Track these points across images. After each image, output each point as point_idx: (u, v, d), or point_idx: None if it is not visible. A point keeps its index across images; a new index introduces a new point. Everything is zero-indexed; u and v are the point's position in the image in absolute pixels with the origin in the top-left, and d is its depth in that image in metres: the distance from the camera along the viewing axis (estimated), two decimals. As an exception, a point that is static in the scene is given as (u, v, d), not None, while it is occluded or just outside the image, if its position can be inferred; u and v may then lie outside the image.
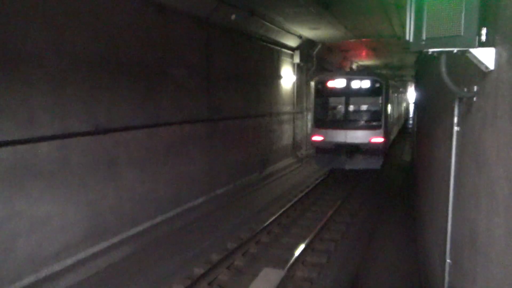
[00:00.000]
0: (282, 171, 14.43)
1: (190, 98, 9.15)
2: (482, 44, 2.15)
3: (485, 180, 2.25)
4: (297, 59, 15.40)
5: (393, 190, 12.31)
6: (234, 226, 8.66)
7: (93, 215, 6.66)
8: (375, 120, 11.57)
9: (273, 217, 8.80)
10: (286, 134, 15.53)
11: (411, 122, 32.08)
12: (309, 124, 15.76)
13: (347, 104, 11.76)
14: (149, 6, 7.64)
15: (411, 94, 38.12)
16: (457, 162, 3.30)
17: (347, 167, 11.47)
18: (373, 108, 11.80)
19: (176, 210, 8.79)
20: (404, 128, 27.36)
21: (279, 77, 14.43)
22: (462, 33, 2.13)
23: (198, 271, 6.42)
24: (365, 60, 24.85)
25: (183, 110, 8.91)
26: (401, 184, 13.21)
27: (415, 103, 18.14)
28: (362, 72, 13.46)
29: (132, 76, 7.38)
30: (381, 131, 11.37)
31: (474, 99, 2.63)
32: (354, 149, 11.37)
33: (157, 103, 8.06)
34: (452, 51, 2.24)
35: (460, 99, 3.18)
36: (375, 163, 11.57)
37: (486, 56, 2.15)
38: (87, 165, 6.49)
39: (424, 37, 2.31)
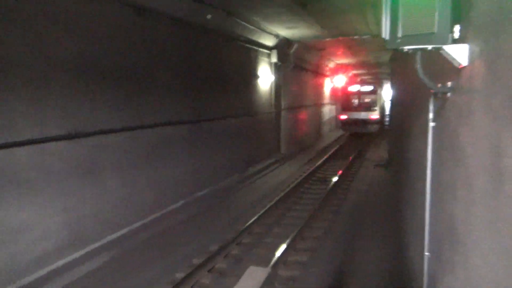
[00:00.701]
0: (264, 170, 14.49)
1: (172, 100, 9.08)
2: (455, 41, 2.23)
3: (462, 173, 2.33)
4: (274, 59, 15.48)
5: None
6: (217, 228, 8.64)
7: (72, 222, 6.51)
8: (373, 106, 22.55)
9: (255, 217, 8.84)
10: (266, 134, 15.60)
11: (387, 119, 32.74)
12: (283, 124, 18.18)
13: (359, 99, 22.70)
14: (128, 8, 7.53)
15: (387, 91, 39.22)
16: (433, 156, 3.40)
17: (360, 131, 22.12)
18: (372, 100, 22.68)
19: (159, 213, 8.70)
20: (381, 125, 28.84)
21: (257, 76, 14.48)
22: (436, 31, 2.20)
23: (180, 275, 6.37)
24: (341, 59, 25.21)
25: (165, 112, 8.83)
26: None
27: (391, 101, 18.53)
28: (368, 82, 25.90)
29: (113, 79, 7.26)
30: (376, 112, 22.53)
31: (449, 94, 2.72)
32: (363, 123, 22.37)
33: (139, 105, 7.97)
34: (426, 48, 2.31)
35: (435, 95, 3.28)
36: (374, 129, 22.74)
37: (459, 53, 2.23)
38: (66, 170, 6.34)
39: (399, 34, 2.37)
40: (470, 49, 2.18)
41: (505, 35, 1.73)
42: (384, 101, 27.75)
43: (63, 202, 6.33)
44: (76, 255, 6.55)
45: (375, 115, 22.98)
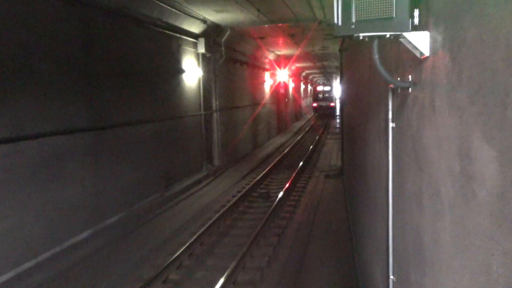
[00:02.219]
0: (191, 188, 14.35)
1: (64, 101, 8.65)
2: (415, 28, 2.38)
3: (428, 180, 2.49)
4: (202, 49, 15.48)
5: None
6: (133, 264, 8.37)
7: None
8: (331, 99, 51.44)
9: (183, 247, 8.71)
10: (194, 142, 15.48)
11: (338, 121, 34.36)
12: (216, 129, 17.92)
13: (323, 94, 52.18)
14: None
15: (336, 87, 45.98)
16: (394, 162, 3.60)
17: (324, 113, 49.10)
18: (329, 95, 51.89)
19: (56, 249, 8.24)
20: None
21: (181, 71, 14.37)
22: (394, 15, 2.33)
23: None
24: (282, 49, 25.93)
25: (55, 117, 8.39)
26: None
27: (342, 99, 19.39)
28: (327, 83, 58.18)
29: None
30: (333, 102, 51.25)
31: (410, 90, 2.90)
32: (325, 108, 50.47)
33: (17, 109, 7.48)
34: (385, 36, 2.44)
35: (394, 91, 3.48)
36: (333, 112, 49.56)
37: (420, 41, 2.39)
38: None
39: (353, 20, 2.48)
40: (431, 37, 2.35)
41: (467, 21, 1.88)
42: (335, 100, 50.97)
43: None
44: None
45: (332, 104, 50.62)
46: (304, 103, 54.36)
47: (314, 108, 52.61)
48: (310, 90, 62.48)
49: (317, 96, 53.07)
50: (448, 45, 2.12)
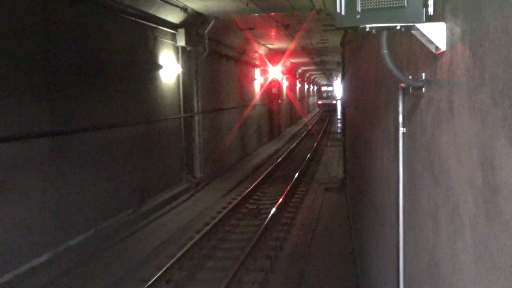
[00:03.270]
0: (170, 203, 14.29)
1: (20, 102, 8.60)
2: (429, 18, 2.40)
3: (445, 193, 2.50)
4: (182, 41, 15.48)
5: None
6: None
7: None
8: (333, 97, 79.28)
9: (160, 272, 8.67)
10: (172, 150, 15.44)
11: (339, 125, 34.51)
12: (198, 135, 18.25)
13: (326, 94, 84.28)
14: None
15: (337, 87, 45.80)
16: (406, 173, 3.61)
17: (328, 109, 73.01)
18: (332, 94, 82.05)
19: (6, 276, 8.13)
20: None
21: (158, 67, 14.35)
22: (406, 4, 2.34)
23: None
24: (275, 43, 26.01)
25: (8, 120, 8.34)
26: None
27: (343, 100, 19.44)
28: (329, 84, 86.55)
29: None
30: (335, 100, 76.41)
31: (423, 89, 2.92)
32: (329, 105, 75.66)
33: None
34: (395, 27, 2.46)
35: (405, 91, 3.50)
36: (335, 108, 72.07)
37: (436, 34, 2.40)
38: None
39: (359, 8, 2.49)
40: (448, 29, 2.36)
41: (490, 10, 1.90)
42: (336, 100, 68.87)
43: None
44: None
45: (334, 101, 73.22)
46: (300, 104, 58.83)
47: (319, 105, 78.13)
48: (308, 89, 78.51)
49: (321, 95, 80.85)
50: (468, 38, 2.13)
